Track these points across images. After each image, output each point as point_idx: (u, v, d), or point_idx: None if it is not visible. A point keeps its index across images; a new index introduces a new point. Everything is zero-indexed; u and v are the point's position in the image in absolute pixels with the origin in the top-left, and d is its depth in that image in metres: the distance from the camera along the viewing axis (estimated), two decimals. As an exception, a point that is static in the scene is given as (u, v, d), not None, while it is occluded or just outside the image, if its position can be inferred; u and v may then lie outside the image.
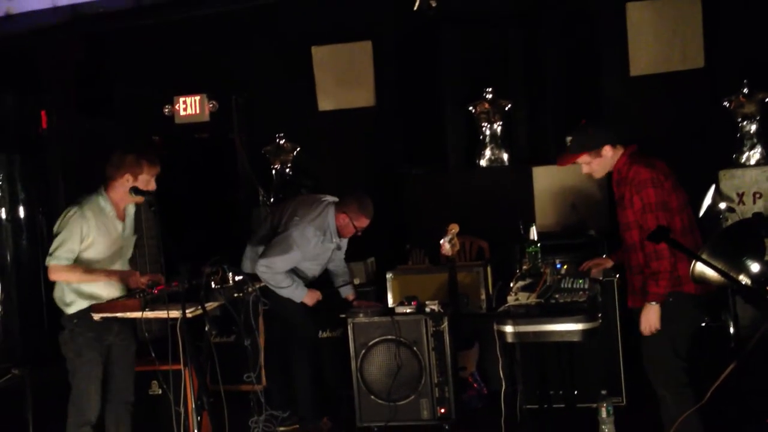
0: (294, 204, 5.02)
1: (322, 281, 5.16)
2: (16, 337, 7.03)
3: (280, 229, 4.87)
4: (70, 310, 3.92)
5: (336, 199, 4.97)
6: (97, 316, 3.82)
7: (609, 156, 3.78)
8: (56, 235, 3.88)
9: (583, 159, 3.81)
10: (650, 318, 3.63)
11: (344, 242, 5.11)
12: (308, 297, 4.88)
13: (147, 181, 3.99)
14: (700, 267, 2.49)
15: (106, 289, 3.95)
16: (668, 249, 3.53)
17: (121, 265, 4.07)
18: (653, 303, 3.61)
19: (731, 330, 5.52)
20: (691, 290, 3.61)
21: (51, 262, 3.85)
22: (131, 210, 4.17)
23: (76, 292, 3.91)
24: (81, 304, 3.90)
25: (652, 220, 3.56)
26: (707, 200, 5.20)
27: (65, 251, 3.84)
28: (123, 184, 3.96)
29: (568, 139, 3.85)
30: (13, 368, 3.58)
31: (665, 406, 3.76)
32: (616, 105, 6.90)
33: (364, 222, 4.87)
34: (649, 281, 3.61)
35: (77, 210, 3.89)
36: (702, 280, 2.59)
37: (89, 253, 3.91)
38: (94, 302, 3.88)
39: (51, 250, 3.87)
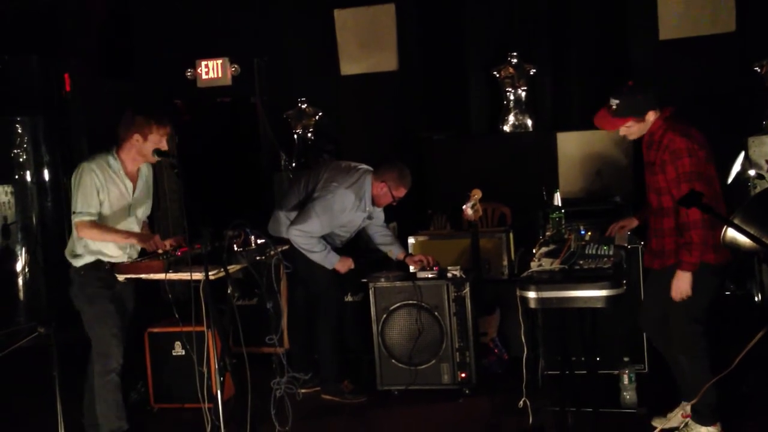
0: (329, 170, 4.96)
1: (353, 249, 5.15)
2: (42, 297, 7.15)
3: (316, 194, 4.84)
4: (78, 263, 4.00)
5: (370, 168, 4.93)
6: (121, 278, 3.86)
7: (651, 121, 3.73)
8: (74, 193, 3.94)
9: (625, 123, 3.75)
10: (681, 286, 3.65)
11: (378, 211, 5.07)
12: (340, 264, 4.87)
13: (157, 141, 3.99)
14: (731, 233, 2.45)
15: (115, 247, 4.02)
16: (702, 220, 3.52)
17: (127, 224, 4.09)
18: (686, 272, 3.62)
19: (756, 298, 5.47)
20: (710, 260, 3.64)
21: (75, 219, 3.93)
22: (145, 171, 4.18)
23: (86, 248, 3.99)
24: (88, 259, 3.99)
25: (688, 189, 3.52)
26: (736, 167, 5.12)
27: (86, 206, 3.90)
28: (133, 144, 3.98)
29: (615, 102, 3.73)
30: (38, 327, 3.61)
31: (680, 369, 3.81)
32: (644, 69, 6.79)
33: (402, 192, 4.83)
34: (682, 250, 3.62)
35: (85, 165, 3.95)
36: (733, 246, 2.55)
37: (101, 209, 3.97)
38: (100, 257, 3.98)
39: (73, 208, 3.95)
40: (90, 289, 3.98)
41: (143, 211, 4.21)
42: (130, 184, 4.07)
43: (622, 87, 3.77)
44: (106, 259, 4.00)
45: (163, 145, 4.01)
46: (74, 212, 3.93)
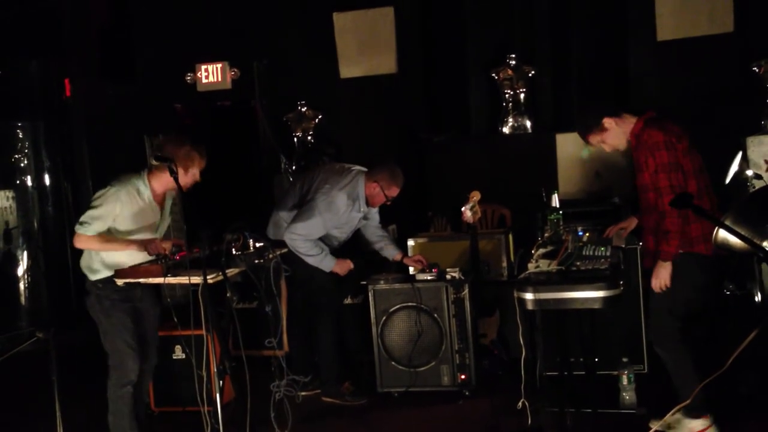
0: (323, 172, 5.01)
1: (350, 250, 5.17)
2: (43, 301, 7.17)
3: (309, 197, 4.87)
4: (95, 277, 4.00)
5: (364, 169, 4.96)
6: (120, 282, 3.87)
7: (614, 126, 3.85)
8: (91, 207, 3.92)
9: (594, 139, 3.92)
10: (661, 276, 3.72)
11: (373, 212, 5.10)
12: (338, 266, 4.89)
13: (194, 174, 4.01)
14: (723, 233, 2.46)
15: (132, 258, 3.99)
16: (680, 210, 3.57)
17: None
18: (665, 261, 3.68)
19: (756, 298, 5.46)
20: (701, 251, 3.69)
21: (79, 230, 3.91)
22: (170, 193, 4.19)
23: (103, 263, 3.98)
24: (105, 273, 3.98)
25: (665, 180, 3.63)
26: (734, 167, 5.11)
27: (96, 225, 3.89)
28: (169, 174, 3.89)
29: (577, 133, 4.00)
30: (37, 331, 3.63)
31: (668, 368, 3.84)
32: (643, 70, 6.79)
33: (395, 191, 4.86)
34: (661, 240, 3.68)
35: (116, 191, 3.92)
36: (725, 247, 2.56)
37: (117, 226, 3.96)
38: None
39: (82, 219, 3.91)
40: (107, 301, 3.99)
41: (166, 227, 4.24)
42: (157, 209, 4.09)
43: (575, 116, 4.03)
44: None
45: (197, 178, 4.02)
46: (80, 222, 3.91)
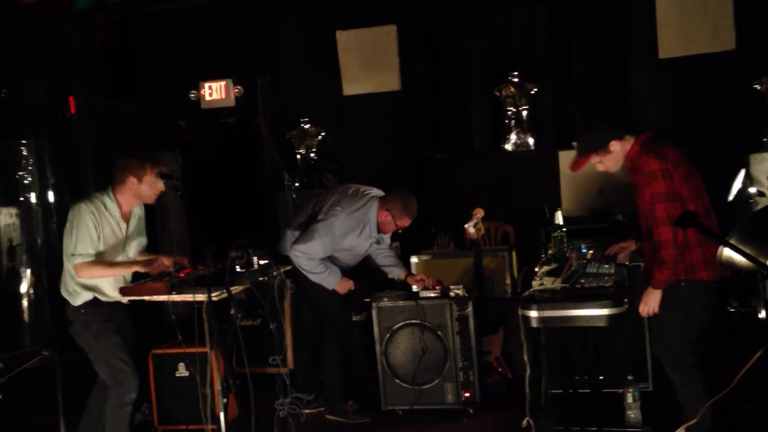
0: (338, 193, 4.98)
1: (357, 269, 5.16)
2: (47, 319, 7.16)
3: (320, 217, 4.86)
4: (76, 301, 4.00)
5: (381, 193, 4.93)
6: (125, 299, 3.88)
7: (618, 150, 3.80)
8: (71, 234, 3.93)
9: (593, 159, 3.85)
10: (649, 302, 3.71)
11: (385, 237, 5.08)
12: (340, 285, 4.88)
13: (152, 182, 4.02)
14: (728, 252, 2.46)
15: (111, 287, 4.01)
16: (673, 239, 3.55)
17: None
18: (656, 288, 3.67)
19: (761, 315, 5.45)
20: (704, 277, 3.66)
21: (75, 261, 3.90)
22: (137, 211, 4.21)
23: (79, 284, 3.99)
24: (85, 296, 3.99)
25: (662, 210, 3.59)
26: (737, 184, 5.12)
27: (84, 247, 3.89)
28: (129, 187, 4.02)
29: (575, 143, 3.89)
30: (42, 349, 3.64)
31: (677, 388, 3.81)
32: (644, 88, 6.80)
33: (406, 222, 4.84)
34: (655, 267, 3.67)
35: (83, 205, 3.96)
36: (729, 265, 2.56)
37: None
38: (96, 295, 3.98)
39: (71, 250, 3.92)
40: (95, 325, 3.99)
41: (135, 248, 4.22)
42: (124, 225, 4.10)
43: (580, 126, 3.87)
44: (103, 299, 4.01)
45: (159, 186, 4.04)
46: (72, 254, 3.91)
